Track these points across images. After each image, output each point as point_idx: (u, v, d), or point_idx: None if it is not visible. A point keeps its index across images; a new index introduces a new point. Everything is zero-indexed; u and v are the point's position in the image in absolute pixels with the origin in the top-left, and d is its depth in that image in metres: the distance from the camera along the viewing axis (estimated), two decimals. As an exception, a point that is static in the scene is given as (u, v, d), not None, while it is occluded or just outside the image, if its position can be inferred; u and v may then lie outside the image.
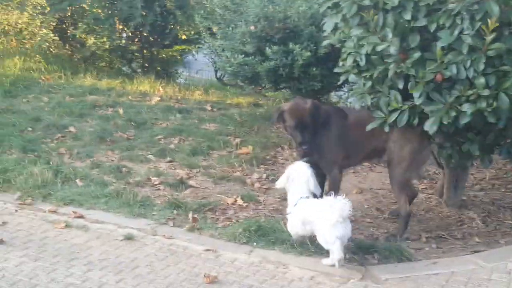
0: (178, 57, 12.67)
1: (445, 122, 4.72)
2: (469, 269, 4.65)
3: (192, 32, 11.43)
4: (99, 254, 4.76)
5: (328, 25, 5.54)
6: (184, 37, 11.68)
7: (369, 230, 5.66)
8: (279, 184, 5.17)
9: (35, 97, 9.20)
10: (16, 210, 5.49)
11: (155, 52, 12.04)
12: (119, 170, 6.62)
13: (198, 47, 10.23)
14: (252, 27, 7.67)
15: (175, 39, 11.88)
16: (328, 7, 5.51)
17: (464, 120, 4.66)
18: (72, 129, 7.89)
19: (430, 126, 4.83)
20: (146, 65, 12.15)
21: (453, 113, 4.69)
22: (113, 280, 4.34)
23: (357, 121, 5.52)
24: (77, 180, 6.17)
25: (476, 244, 5.31)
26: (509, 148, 5.28)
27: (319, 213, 4.63)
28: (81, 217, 5.40)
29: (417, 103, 4.84)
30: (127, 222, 5.37)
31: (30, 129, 7.77)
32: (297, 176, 5.01)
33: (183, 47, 12.38)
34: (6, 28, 11.57)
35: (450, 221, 5.89)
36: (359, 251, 4.97)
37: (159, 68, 12.33)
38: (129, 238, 5.05)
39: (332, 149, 5.54)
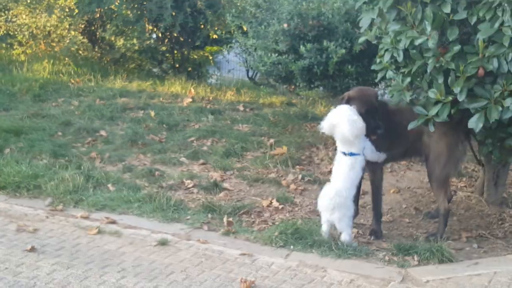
0: (210, 58, 12.58)
1: (494, 119, 4.52)
2: (512, 269, 4.47)
3: (223, 32, 11.32)
4: (132, 260, 4.64)
5: (364, 21, 5.38)
6: (215, 36, 11.56)
7: (408, 230, 5.52)
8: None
9: (65, 101, 9.14)
10: (47, 217, 5.39)
11: (185, 53, 11.94)
12: (151, 173, 6.51)
13: (230, 47, 10.09)
14: (285, 25, 7.52)
15: (206, 39, 11.77)
16: (364, 2, 5.37)
17: (507, 115, 4.48)
18: (103, 132, 7.81)
19: (475, 123, 4.65)
20: (177, 66, 12.06)
21: (500, 109, 4.49)
22: (147, 287, 4.22)
23: (398, 113, 5.39)
24: (109, 185, 6.07)
25: (518, 243, 5.11)
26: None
27: None
28: (113, 222, 5.30)
29: (460, 99, 4.65)
30: (161, 227, 5.26)
31: (60, 133, 7.70)
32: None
33: (215, 48, 12.30)
34: (34, 31, 11.54)
35: (491, 219, 5.72)
36: (399, 253, 4.87)
37: (190, 69, 12.25)
38: (163, 243, 4.93)
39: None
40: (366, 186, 6.38)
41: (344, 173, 5.01)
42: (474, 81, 4.62)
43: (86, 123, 8.08)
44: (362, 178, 5.28)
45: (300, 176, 6.61)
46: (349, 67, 7.21)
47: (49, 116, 8.32)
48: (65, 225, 5.26)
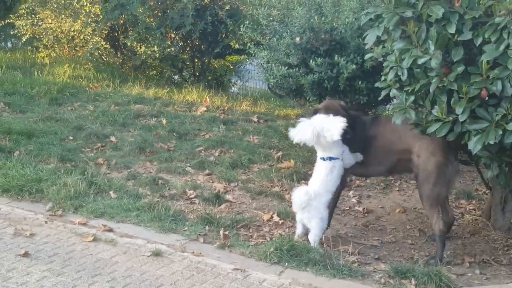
0: (231, 67, 12.61)
1: (491, 142, 4.44)
2: (513, 299, 4.36)
3: (239, 43, 11.36)
4: (124, 270, 4.65)
5: (370, 38, 5.32)
6: (236, 46, 11.59)
7: (409, 253, 5.41)
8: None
9: (81, 105, 9.23)
10: (46, 222, 5.42)
11: (206, 61, 11.99)
12: (155, 182, 6.51)
13: (244, 58, 10.08)
14: (298, 39, 7.46)
15: (227, 48, 11.81)
16: (370, 19, 5.30)
17: (509, 140, 4.37)
18: (113, 138, 7.84)
19: (474, 145, 4.56)
20: (197, 74, 12.13)
21: (499, 132, 4.41)
22: (134, 299, 4.22)
23: (379, 126, 5.55)
24: (111, 192, 6.09)
25: (524, 271, 4.98)
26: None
27: None
28: (110, 230, 5.30)
29: (461, 120, 4.58)
30: (157, 237, 5.25)
31: (71, 137, 7.75)
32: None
33: (235, 58, 12.33)
34: (59, 35, 11.70)
35: (496, 245, 5.58)
36: (396, 275, 4.77)
37: (210, 78, 12.30)
38: (156, 254, 4.92)
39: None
40: (372, 205, 6.37)
41: (321, 176, 5.25)
42: (477, 102, 4.53)
43: (98, 128, 8.12)
44: (340, 186, 5.44)
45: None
46: (360, 83, 7.13)
47: (62, 120, 8.39)
48: (62, 231, 5.28)
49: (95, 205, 5.72)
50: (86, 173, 6.34)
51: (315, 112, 5.52)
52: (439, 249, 5.18)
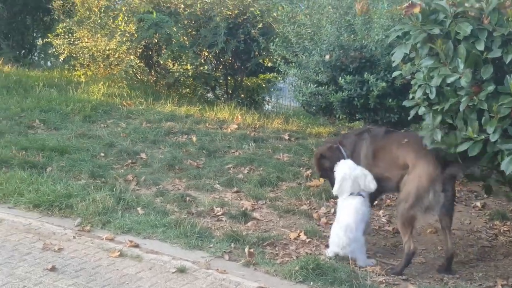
0: (264, 85, 12.64)
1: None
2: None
3: (268, 61, 11.41)
4: (148, 286, 4.68)
5: (397, 55, 5.29)
6: (269, 64, 11.61)
7: (439, 275, 5.29)
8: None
9: (113, 123, 9.33)
10: (74, 237, 5.50)
11: (239, 79, 12.06)
12: (183, 199, 6.54)
13: (274, 76, 10.11)
14: (327, 56, 7.48)
15: (260, 66, 11.85)
16: (398, 36, 5.28)
17: (541, 161, 4.28)
18: (143, 155, 7.90)
19: (507, 165, 4.48)
20: (230, 92, 12.19)
21: (534, 153, 4.33)
22: (157, 315, 4.24)
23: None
24: (139, 208, 6.13)
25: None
26: None
27: None
28: (136, 246, 5.35)
29: (493, 140, 4.51)
30: (182, 254, 5.27)
31: (102, 154, 7.83)
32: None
33: (268, 76, 12.35)
34: (95, 54, 11.90)
35: (530, 268, 5.43)
36: (424, 297, 4.68)
37: (243, 95, 12.35)
38: (181, 270, 4.94)
39: None
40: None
41: (353, 210, 5.37)
42: (509, 121, 4.47)
43: (129, 145, 8.20)
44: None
45: (332, 210, 6.49)
46: (390, 100, 7.09)
47: (95, 137, 8.50)
48: (90, 246, 5.34)
49: (123, 221, 5.77)
50: (115, 189, 6.42)
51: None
52: (402, 264, 5.24)
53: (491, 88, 4.52)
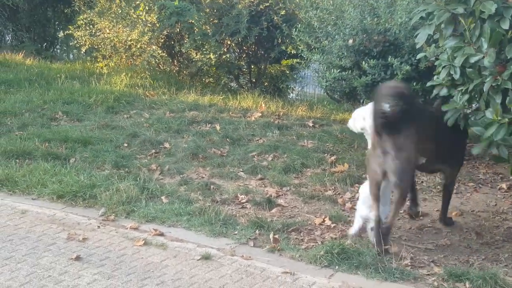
0: (287, 72, 12.55)
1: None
2: None
3: (299, 46, 11.29)
4: (173, 273, 4.66)
5: (420, 37, 5.21)
6: (293, 51, 11.52)
7: (465, 256, 5.21)
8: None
9: (137, 113, 9.34)
10: (98, 226, 5.50)
11: (262, 68, 11.99)
12: (207, 187, 6.51)
13: (298, 62, 10.02)
14: (350, 41, 7.40)
15: (283, 54, 11.76)
16: (421, 17, 5.18)
17: None
18: (166, 145, 7.88)
19: (530, 146, 4.38)
20: (254, 80, 12.13)
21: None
22: (182, 302, 4.22)
23: None
24: (163, 197, 6.12)
25: None
26: None
27: None
28: (161, 234, 5.34)
29: (517, 120, 4.41)
30: (207, 241, 5.25)
31: (125, 145, 7.83)
32: None
33: (290, 62, 12.25)
34: (116, 45, 11.92)
35: (561, 249, 5.31)
36: (450, 278, 4.65)
37: (266, 83, 12.28)
38: (206, 257, 4.92)
39: None
40: (427, 208, 6.20)
41: None
42: (534, 101, 4.38)
43: (152, 135, 8.18)
44: None
45: (357, 195, 6.41)
46: (415, 84, 6.98)
47: (118, 127, 8.51)
48: (114, 235, 5.34)
49: (147, 210, 5.77)
50: (138, 178, 6.41)
51: None
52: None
53: (515, 67, 4.42)
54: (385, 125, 4.84)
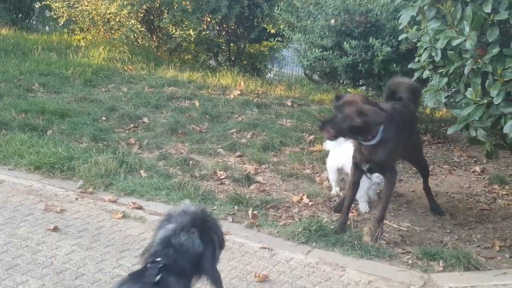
0: (266, 52, 12.54)
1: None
2: (542, 282, 4.29)
3: (279, 26, 11.25)
4: (151, 246, 4.66)
5: (403, 18, 5.22)
6: (273, 31, 11.49)
7: (438, 236, 5.31)
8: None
9: (115, 87, 9.27)
10: (76, 198, 5.48)
11: (241, 46, 11.95)
12: (186, 162, 6.51)
13: (279, 42, 10.01)
14: (332, 21, 7.41)
15: (263, 33, 11.72)
16: (404, -1, 5.21)
17: (544, 124, 4.24)
18: (145, 119, 7.86)
19: (510, 128, 4.43)
20: (232, 59, 12.09)
21: (537, 116, 4.29)
22: (160, 274, 4.23)
23: None
24: (141, 171, 6.11)
25: (554, 256, 4.88)
26: None
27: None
28: (139, 208, 5.34)
29: (496, 103, 4.45)
30: (186, 216, 5.25)
31: (104, 118, 7.79)
32: None
33: (272, 43, 12.24)
34: (95, 18, 11.77)
35: (528, 230, 5.45)
36: (424, 257, 4.76)
37: (245, 62, 12.25)
38: (184, 231, 4.92)
39: None
40: (403, 189, 6.28)
41: None
42: (513, 85, 4.43)
43: (130, 109, 8.14)
44: None
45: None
46: (395, 66, 7.03)
47: (96, 101, 8.45)
48: (92, 207, 5.33)
49: (126, 184, 5.76)
50: (117, 152, 6.39)
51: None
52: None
53: (496, 50, 4.43)
54: None
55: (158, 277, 2.48)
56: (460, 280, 4.41)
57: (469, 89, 4.67)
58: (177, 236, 2.60)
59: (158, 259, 2.56)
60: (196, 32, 11.30)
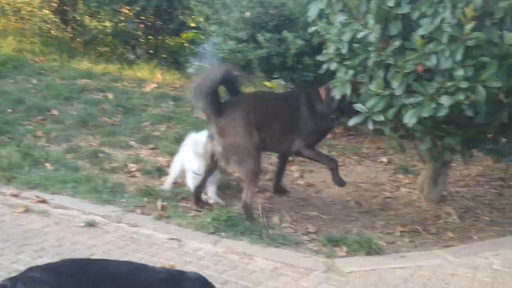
0: (186, 45, 12.43)
1: (425, 115, 4.46)
2: (436, 264, 4.50)
3: (197, 17, 11.20)
4: (54, 240, 4.55)
5: (312, 11, 5.30)
6: (193, 24, 11.40)
7: (345, 224, 5.43)
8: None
9: (24, 79, 8.98)
10: (-26, 193, 5.29)
11: (160, 39, 11.81)
12: (96, 155, 6.39)
13: (196, 34, 9.96)
14: (248, 13, 7.42)
15: (183, 26, 11.62)
16: (314, -8, 5.26)
17: (442, 113, 4.38)
18: (54, 112, 7.65)
19: (409, 119, 4.56)
20: (151, 51, 11.92)
21: (433, 105, 4.42)
22: (61, 267, 4.12)
23: None
24: (47, 164, 5.96)
25: (449, 240, 5.10)
26: (489, 144, 5.01)
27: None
28: (43, 201, 5.20)
29: (397, 94, 4.58)
30: (93, 209, 5.17)
31: (10, 110, 7.53)
32: None
33: (189, 34, 12.14)
34: (4, 6, 11.36)
35: (427, 216, 5.65)
36: (329, 244, 4.85)
37: (164, 56, 12.12)
38: (90, 224, 4.84)
39: None
40: (313, 179, 6.37)
41: None
42: (413, 76, 4.54)
43: (40, 101, 7.91)
44: None
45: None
46: (308, 59, 7.11)
47: (2, 92, 8.15)
48: (-8, 202, 5.15)
49: (29, 177, 5.60)
50: (22, 144, 6.20)
51: None
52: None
53: (397, 43, 4.56)
54: None
55: None
56: (361, 264, 4.53)
57: (373, 81, 4.78)
58: None
59: None
60: (113, 23, 11.09)
